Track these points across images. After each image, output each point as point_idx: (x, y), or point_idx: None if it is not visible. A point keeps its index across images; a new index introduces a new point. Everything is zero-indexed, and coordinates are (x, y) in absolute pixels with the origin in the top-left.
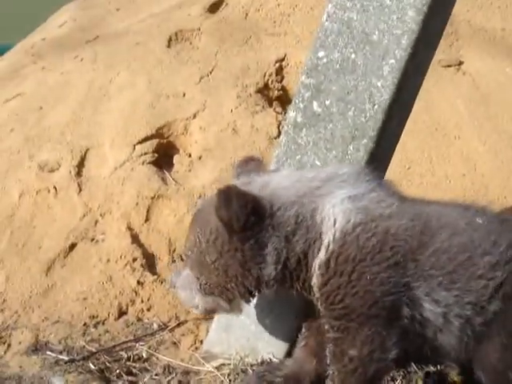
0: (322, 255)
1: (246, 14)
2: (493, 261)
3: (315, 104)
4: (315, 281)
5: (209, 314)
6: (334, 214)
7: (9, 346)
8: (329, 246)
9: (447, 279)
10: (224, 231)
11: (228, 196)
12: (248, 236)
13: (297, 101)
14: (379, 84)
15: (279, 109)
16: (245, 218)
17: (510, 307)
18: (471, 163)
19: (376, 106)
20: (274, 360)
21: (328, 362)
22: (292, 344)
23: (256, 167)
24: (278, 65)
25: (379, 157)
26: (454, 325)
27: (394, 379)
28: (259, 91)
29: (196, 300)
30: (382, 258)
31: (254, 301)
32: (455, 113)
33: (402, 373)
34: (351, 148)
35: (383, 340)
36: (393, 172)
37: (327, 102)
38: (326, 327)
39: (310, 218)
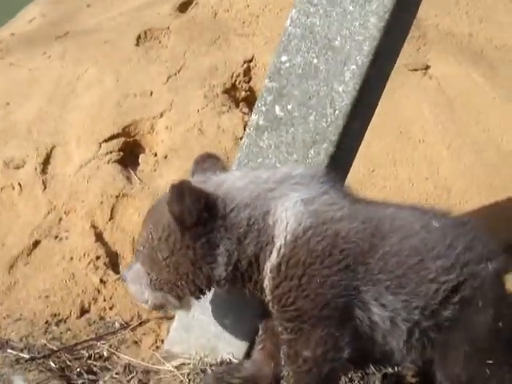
0: (273, 259)
1: (215, 14)
2: (446, 264)
3: (277, 108)
4: (267, 283)
5: (158, 310)
6: (287, 218)
7: None
8: (280, 249)
9: (395, 283)
10: (176, 228)
11: (180, 191)
12: (200, 233)
13: (259, 104)
14: (341, 89)
15: (246, 109)
16: (197, 214)
17: (469, 314)
18: (434, 167)
19: (337, 111)
20: (234, 360)
21: (283, 363)
22: (252, 344)
23: (213, 165)
24: (245, 66)
25: (340, 161)
26: (401, 329)
27: (351, 380)
28: (226, 92)
29: (146, 295)
30: (332, 261)
31: (208, 297)
32: (420, 116)
33: (359, 374)
34: (312, 152)
35: (336, 340)
36: (357, 175)
37: (289, 106)
38: (280, 329)
39: (261, 220)
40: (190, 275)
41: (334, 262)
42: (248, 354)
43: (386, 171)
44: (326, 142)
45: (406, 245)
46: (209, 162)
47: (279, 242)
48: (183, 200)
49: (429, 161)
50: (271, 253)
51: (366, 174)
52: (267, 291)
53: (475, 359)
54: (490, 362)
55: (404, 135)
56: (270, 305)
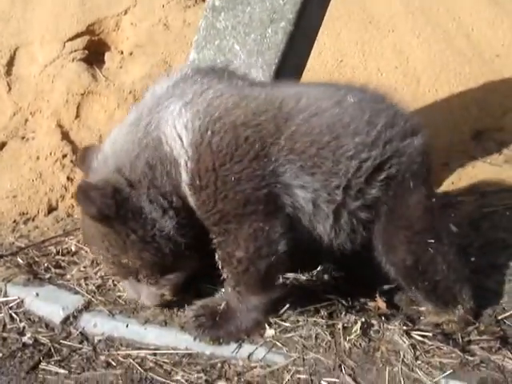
0: (185, 178)
1: None
2: (367, 140)
3: None
4: (190, 200)
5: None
6: (178, 133)
7: None
8: (187, 165)
9: (310, 163)
10: (111, 232)
11: (85, 193)
12: (124, 213)
13: None
14: None
15: None
16: (112, 202)
17: (402, 197)
18: (404, 56)
19: None
20: None
21: (220, 266)
22: None
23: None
24: None
25: (299, 41)
26: (325, 211)
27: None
28: None
29: (153, 294)
30: (241, 153)
31: None
32: (390, 6)
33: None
34: (270, 31)
35: (267, 234)
36: (325, 65)
37: None
38: (210, 234)
39: (160, 152)
40: (156, 251)
41: (243, 153)
42: None
43: (355, 61)
44: (283, 20)
45: (316, 122)
46: (90, 153)
47: (183, 160)
48: (92, 199)
49: (398, 50)
50: (181, 174)
51: (335, 65)
52: (194, 208)
53: (416, 241)
54: (432, 241)
55: (373, 25)
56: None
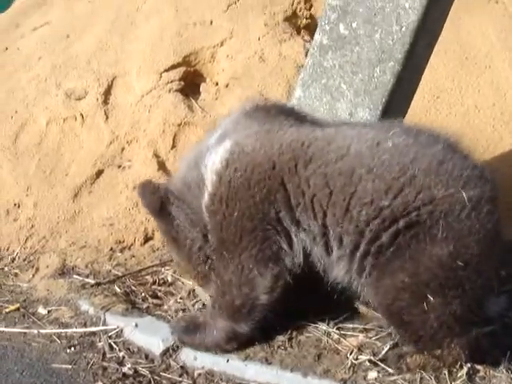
0: (206, 200)
1: None
2: (393, 186)
3: (341, 26)
4: (206, 220)
5: None
6: (212, 162)
7: (37, 269)
8: (209, 189)
9: (317, 207)
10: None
11: (142, 188)
12: (166, 215)
13: (323, 23)
14: (407, 5)
15: (307, 37)
16: (157, 199)
17: (421, 242)
18: (501, 93)
19: (403, 28)
20: None
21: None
22: None
23: None
24: None
25: (406, 80)
26: (335, 255)
27: None
28: (287, 19)
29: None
30: (249, 195)
31: None
32: (486, 42)
33: None
34: (378, 71)
35: (253, 277)
36: (421, 101)
37: (354, 24)
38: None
39: (196, 177)
40: (189, 257)
41: (251, 195)
42: None
43: (452, 97)
44: (391, 60)
45: (337, 165)
46: None
47: (209, 183)
48: (144, 193)
49: (495, 87)
50: (204, 195)
51: (431, 101)
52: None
53: (411, 292)
54: (430, 298)
55: (470, 61)
56: None
